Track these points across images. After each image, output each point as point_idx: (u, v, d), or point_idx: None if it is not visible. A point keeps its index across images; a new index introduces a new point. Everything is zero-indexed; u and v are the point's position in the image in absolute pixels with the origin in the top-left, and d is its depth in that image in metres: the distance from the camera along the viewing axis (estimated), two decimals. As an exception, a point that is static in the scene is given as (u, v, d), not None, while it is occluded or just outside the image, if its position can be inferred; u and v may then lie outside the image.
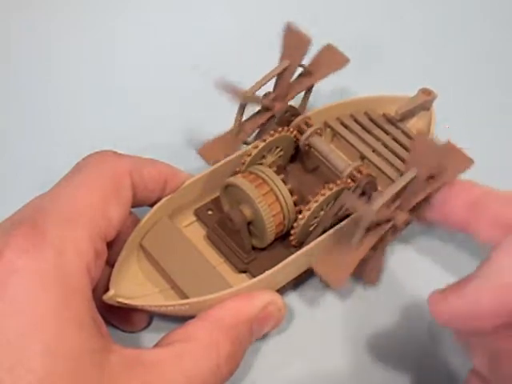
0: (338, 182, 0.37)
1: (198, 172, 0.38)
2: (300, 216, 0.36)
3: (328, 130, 0.43)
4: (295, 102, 0.41)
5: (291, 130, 0.40)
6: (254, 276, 0.35)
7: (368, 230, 0.34)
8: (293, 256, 0.35)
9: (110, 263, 0.34)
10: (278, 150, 0.40)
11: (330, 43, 0.41)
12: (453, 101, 0.46)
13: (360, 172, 0.37)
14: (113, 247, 0.34)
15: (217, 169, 0.38)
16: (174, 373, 0.30)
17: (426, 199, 0.35)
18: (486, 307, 0.29)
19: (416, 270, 0.41)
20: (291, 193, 0.37)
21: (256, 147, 0.38)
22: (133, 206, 0.35)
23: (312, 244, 0.35)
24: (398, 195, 0.34)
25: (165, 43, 0.53)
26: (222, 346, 0.31)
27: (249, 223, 0.37)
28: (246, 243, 0.37)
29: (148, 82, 0.50)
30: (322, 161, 0.40)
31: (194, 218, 0.40)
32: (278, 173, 0.37)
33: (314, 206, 0.36)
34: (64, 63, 0.51)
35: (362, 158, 0.41)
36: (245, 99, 0.38)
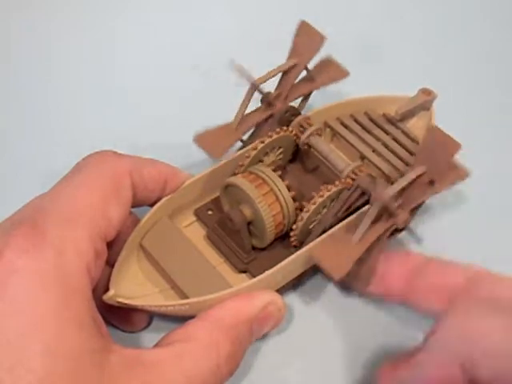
0: (337, 182, 0.37)
1: (198, 172, 0.38)
2: (300, 216, 0.36)
3: (328, 130, 0.43)
4: (294, 104, 0.41)
5: (291, 130, 0.40)
6: (254, 276, 0.35)
7: (371, 223, 0.34)
8: (293, 256, 0.35)
9: (110, 263, 0.34)
10: (278, 150, 0.40)
11: (330, 56, 0.41)
12: (453, 101, 0.46)
13: (360, 172, 0.37)
14: (113, 247, 0.34)
15: (217, 169, 0.38)
16: (174, 373, 0.30)
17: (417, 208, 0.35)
18: (432, 381, 0.30)
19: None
20: (288, 189, 0.37)
21: (256, 147, 0.38)
22: (133, 206, 0.35)
23: (312, 244, 0.35)
24: (400, 193, 0.34)
25: (165, 43, 0.53)
26: (222, 345, 0.31)
27: (249, 223, 0.37)
28: (245, 243, 0.37)
29: (148, 82, 0.50)
30: (322, 161, 0.40)
31: (193, 218, 0.40)
32: (275, 170, 0.37)
33: (313, 206, 0.36)
34: (64, 63, 0.51)
35: (362, 158, 0.41)
36: (255, 85, 0.38)
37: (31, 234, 0.29)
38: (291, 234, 0.37)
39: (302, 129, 0.40)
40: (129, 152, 0.36)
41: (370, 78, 0.49)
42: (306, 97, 0.42)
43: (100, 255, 0.32)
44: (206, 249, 0.38)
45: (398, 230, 0.37)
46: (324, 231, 0.36)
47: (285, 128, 0.39)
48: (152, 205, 0.37)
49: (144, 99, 0.49)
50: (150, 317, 0.38)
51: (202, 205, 0.40)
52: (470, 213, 0.43)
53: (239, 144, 0.40)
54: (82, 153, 0.35)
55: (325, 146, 0.39)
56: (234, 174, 0.38)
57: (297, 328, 0.38)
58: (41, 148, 0.46)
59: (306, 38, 0.39)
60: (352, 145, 0.41)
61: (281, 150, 0.40)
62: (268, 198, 0.36)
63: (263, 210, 0.36)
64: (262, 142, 0.38)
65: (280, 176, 0.37)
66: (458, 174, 0.36)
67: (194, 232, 0.39)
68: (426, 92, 0.43)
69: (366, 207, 0.36)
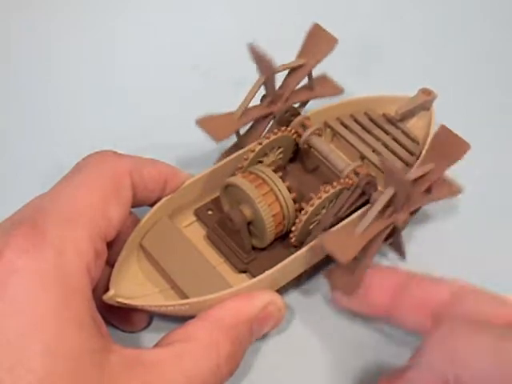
0: (335, 183, 0.37)
1: (198, 172, 0.38)
2: (300, 216, 0.36)
3: (328, 130, 0.43)
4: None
5: (291, 129, 0.40)
6: (254, 276, 0.35)
7: (376, 217, 0.34)
8: (293, 256, 0.35)
9: (110, 263, 0.34)
10: (278, 150, 0.40)
11: (325, 73, 0.42)
12: (453, 101, 0.46)
13: (360, 172, 0.37)
14: (113, 247, 0.34)
15: (217, 169, 0.38)
16: (174, 373, 0.30)
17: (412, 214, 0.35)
18: None
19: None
20: (289, 190, 0.37)
21: (256, 147, 0.38)
22: (133, 206, 0.35)
23: (312, 244, 0.35)
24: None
25: (165, 43, 0.53)
26: (222, 345, 0.31)
27: (249, 223, 0.37)
28: (245, 243, 0.37)
29: (148, 82, 0.50)
30: (322, 161, 0.40)
31: (194, 218, 0.40)
32: (275, 171, 0.37)
33: (313, 206, 0.36)
34: (64, 63, 0.51)
35: (362, 157, 0.41)
36: (273, 71, 0.38)
37: (31, 233, 0.29)
38: (291, 234, 0.37)
39: (302, 129, 0.40)
40: (129, 152, 0.36)
41: (369, 78, 0.49)
42: (303, 104, 0.42)
43: (100, 255, 0.32)
44: (206, 249, 0.38)
45: (392, 235, 0.37)
46: (324, 231, 0.36)
47: (284, 128, 0.39)
48: (152, 205, 0.37)
49: (144, 99, 0.49)
50: (150, 317, 0.38)
51: (202, 205, 0.40)
52: (470, 213, 0.43)
53: (234, 139, 0.40)
54: (82, 153, 0.35)
55: (325, 145, 0.39)
56: (234, 174, 0.38)
57: (297, 328, 0.38)
58: (41, 148, 0.46)
59: (318, 40, 0.40)
60: (352, 145, 0.41)
61: (281, 149, 0.40)
62: (268, 198, 0.36)
63: (263, 210, 0.36)
64: (260, 144, 0.38)
65: (281, 177, 0.37)
66: (451, 189, 0.36)
67: (194, 232, 0.39)
68: (426, 92, 0.43)
69: (364, 208, 0.36)
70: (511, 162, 0.46)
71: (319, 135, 0.40)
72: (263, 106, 0.40)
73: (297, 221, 0.36)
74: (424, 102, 0.43)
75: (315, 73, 0.41)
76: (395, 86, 0.44)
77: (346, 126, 0.43)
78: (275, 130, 0.39)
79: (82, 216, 0.31)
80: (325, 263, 0.38)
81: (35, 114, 0.48)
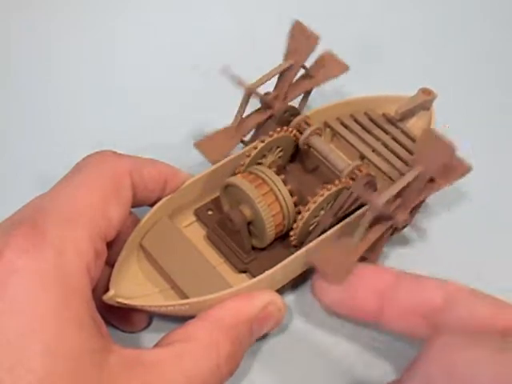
0: (337, 182, 0.37)
1: (198, 172, 0.38)
2: (300, 216, 0.36)
3: (328, 129, 0.43)
4: (293, 103, 0.41)
5: (291, 129, 0.40)
6: (254, 276, 0.35)
7: (369, 226, 0.34)
8: (293, 256, 0.35)
9: (110, 263, 0.34)
10: (278, 150, 0.40)
11: (330, 50, 0.41)
12: (453, 101, 0.46)
13: (359, 172, 0.37)
14: (113, 247, 0.34)
15: (217, 169, 0.38)
16: (174, 373, 0.30)
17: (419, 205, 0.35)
18: None
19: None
20: (291, 194, 0.37)
21: (256, 147, 0.38)
22: (133, 206, 0.35)
23: (312, 244, 0.35)
24: (399, 194, 0.34)
25: (165, 43, 0.53)
26: (222, 345, 0.31)
27: (249, 223, 0.37)
28: (245, 243, 0.37)
29: (148, 82, 0.50)
30: (322, 161, 0.40)
31: (193, 218, 0.40)
32: (278, 173, 0.37)
33: (313, 206, 0.36)
34: (64, 63, 0.51)
35: (362, 157, 0.41)
36: (249, 90, 0.38)
37: (31, 233, 0.29)
38: (291, 234, 0.37)
39: (301, 129, 0.40)
40: (129, 152, 0.36)
41: (369, 78, 0.49)
42: (306, 95, 0.42)
43: (100, 255, 0.32)
44: (206, 249, 0.38)
45: (400, 229, 0.37)
46: (324, 231, 0.36)
47: (284, 128, 0.39)
48: (152, 205, 0.37)
49: (144, 99, 0.49)
50: (150, 317, 0.38)
51: (202, 205, 0.40)
52: (470, 213, 0.43)
53: (241, 146, 0.40)
54: (82, 153, 0.35)
55: (325, 145, 0.39)
56: (234, 174, 0.38)
57: (297, 328, 0.38)
58: (41, 148, 0.46)
59: (301, 37, 0.39)
60: (352, 145, 0.41)
61: (280, 149, 0.40)
62: (268, 198, 0.36)
63: (263, 210, 0.36)
64: (262, 142, 0.38)
65: (283, 181, 0.37)
66: (459, 170, 0.36)
67: (194, 232, 0.39)
68: (425, 92, 0.43)
69: (364, 208, 0.36)
70: (511, 162, 0.46)
71: (319, 135, 0.40)
72: (261, 111, 0.40)
73: (298, 218, 0.36)
74: (424, 102, 0.43)
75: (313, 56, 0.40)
76: (395, 86, 0.44)
77: (345, 126, 0.43)
78: (277, 130, 0.39)
79: (82, 216, 0.31)
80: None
81: (35, 114, 0.48)
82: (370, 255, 0.36)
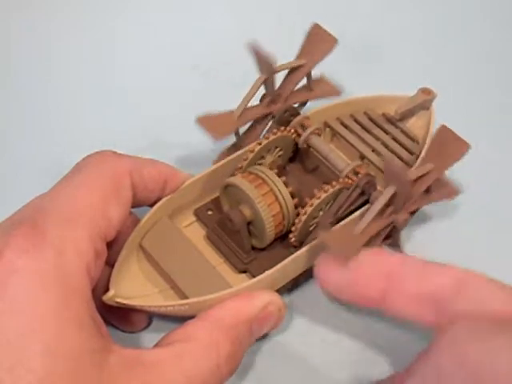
0: (334, 183, 0.37)
1: (198, 172, 0.38)
2: (299, 216, 0.36)
3: (327, 129, 0.43)
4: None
5: (290, 129, 0.40)
6: (254, 276, 0.35)
7: (376, 216, 0.34)
8: (293, 256, 0.35)
9: (110, 263, 0.34)
10: (278, 150, 0.40)
11: (323, 74, 0.42)
12: (453, 101, 0.46)
13: (359, 171, 0.37)
14: (113, 247, 0.34)
15: (217, 169, 0.38)
16: (174, 373, 0.30)
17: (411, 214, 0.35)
18: None
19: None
20: (293, 196, 0.37)
21: (255, 147, 0.38)
22: (133, 206, 0.35)
23: (312, 244, 0.35)
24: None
25: (165, 43, 0.53)
26: (222, 345, 0.31)
27: (248, 223, 0.37)
28: (245, 243, 0.37)
29: (148, 82, 0.50)
30: (322, 161, 0.40)
31: (193, 218, 0.40)
32: (279, 175, 0.37)
33: (309, 209, 0.36)
34: (64, 63, 0.51)
35: (362, 157, 0.41)
36: (274, 71, 0.37)
37: (31, 233, 0.29)
38: (291, 234, 0.37)
39: (301, 129, 0.40)
40: (129, 152, 0.36)
41: (369, 77, 0.49)
42: (302, 105, 0.42)
43: (100, 255, 0.32)
44: (206, 249, 0.38)
45: (391, 234, 0.37)
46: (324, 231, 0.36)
47: (283, 128, 0.39)
48: (152, 205, 0.37)
49: (144, 99, 0.49)
50: (150, 317, 0.38)
51: (202, 205, 0.40)
52: (470, 213, 0.43)
53: (233, 139, 0.40)
54: (82, 153, 0.35)
55: (324, 145, 0.39)
56: (234, 174, 0.38)
57: (297, 328, 0.38)
58: (41, 148, 0.46)
59: (318, 40, 0.40)
60: (352, 145, 0.42)
61: (280, 150, 0.40)
62: (267, 198, 0.36)
63: (263, 210, 0.36)
64: (260, 144, 0.38)
65: (284, 182, 0.37)
66: (450, 190, 0.36)
67: (194, 232, 0.39)
68: (425, 91, 0.43)
69: (366, 207, 0.36)
70: (511, 162, 0.46)
71: (319, 135, 0.40)
72: (263, 105, 0.40)
73: (296, 221, 0.36)
74: (424, 102, 0.43)
75: (315, 72, 0.41)
76: (395, 86, 0.44)
77: (345, 126, 0.43)
78: (274, 130, 0.39)
79: (81, 216, 0.31)
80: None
81: (35, 114, 0.48)
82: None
